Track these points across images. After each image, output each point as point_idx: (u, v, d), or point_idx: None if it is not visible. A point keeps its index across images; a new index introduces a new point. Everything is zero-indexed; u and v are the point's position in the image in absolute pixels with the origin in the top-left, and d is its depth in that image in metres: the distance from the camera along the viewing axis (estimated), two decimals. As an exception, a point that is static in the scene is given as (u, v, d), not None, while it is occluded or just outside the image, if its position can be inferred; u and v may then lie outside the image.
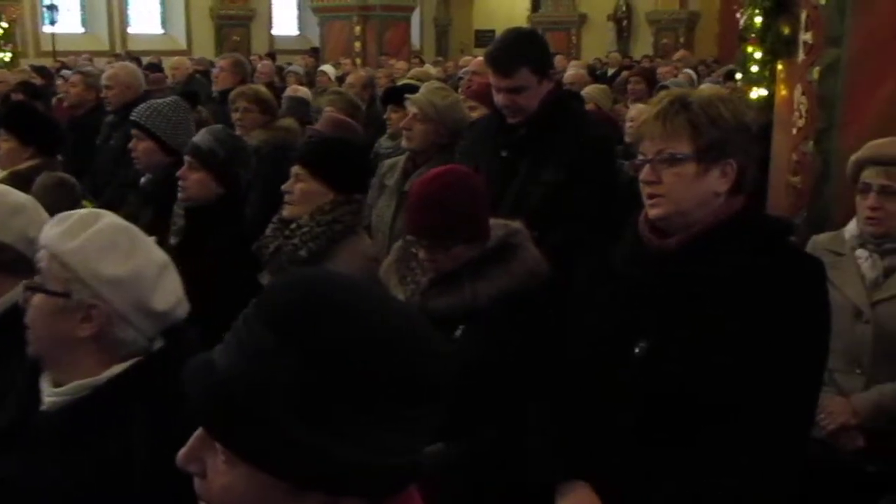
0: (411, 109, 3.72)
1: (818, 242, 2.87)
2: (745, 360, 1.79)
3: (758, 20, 3.97)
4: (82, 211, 1.76)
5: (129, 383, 1.61)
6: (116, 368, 1.63)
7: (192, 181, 3.11)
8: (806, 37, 3.57)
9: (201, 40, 20.48)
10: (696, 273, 1.87)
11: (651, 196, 1.91)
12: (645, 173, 1.91)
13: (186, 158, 3.15)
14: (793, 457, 1.87)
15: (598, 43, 22.45)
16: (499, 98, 3.14)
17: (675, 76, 9.16)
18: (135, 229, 1.69)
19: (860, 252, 2.72)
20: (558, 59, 10.67)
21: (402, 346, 0.95)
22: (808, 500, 2.18)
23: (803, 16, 3.58)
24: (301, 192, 2.80)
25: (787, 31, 3.79)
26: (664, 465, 1.83)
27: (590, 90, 6.32)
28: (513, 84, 3.07)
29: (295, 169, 2.83)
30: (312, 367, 0.92)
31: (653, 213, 1.92)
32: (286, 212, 2.83)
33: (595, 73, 11.54)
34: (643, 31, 22.97)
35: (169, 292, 1.66)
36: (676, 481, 1.81)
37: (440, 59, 17.47)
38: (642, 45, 22.15)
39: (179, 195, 3.16)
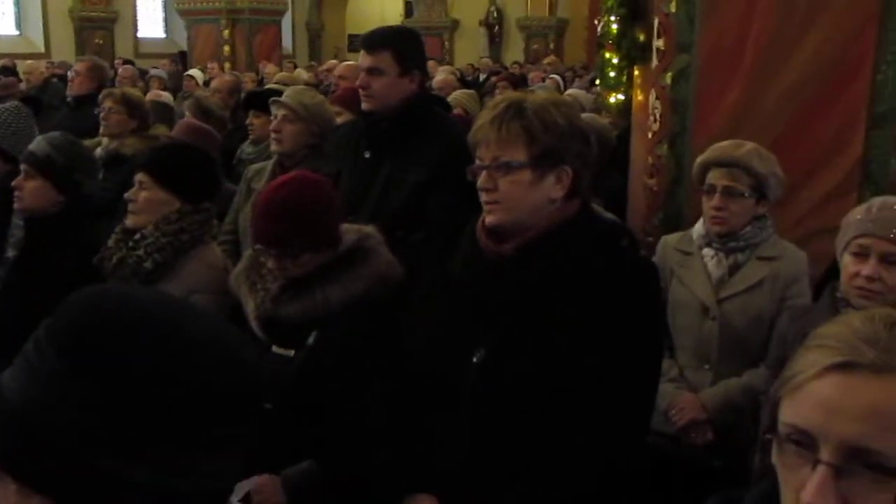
0: (279, 112, 3.65)
1: (667, 242, 2.95)
2: (582, 361, 1.80)
3: (614, 27, 4.07)
4: None
5: None
6: None
7: (29, 190, 2.96)
8: (658, 43, 3.66)
9: (60, 43, 19.48)
10: (533, 278, 1.87)
11: (488, 203, 1.91)
12: (482, 180, 1.90)
13: (22, 166, 3.00)
14: (634, 453, 1.90)
15: (470, 48, 22.69)
16: (359, 79, 3.16)
17: (544, 80, 9.36)
18: None
19: (707, 251, 2.80)
20: (430, 65, 10.67)
21: (201, 362, 0.89)
22: (658, 495, 2.23)
23: (656, 23, 3.68)
24: (145, 200, 2.68)
25: (641, 37, 3.89)
26: (508, 471, 1.82)
27: (458, 95, 6.34)
28: (373, 63, 3.09)
29: (139, 176, 2.70)
30: (104, 389, 0.85)
31: (489, 220, 1.92)
32: (129, 221, 2.70)
33: (466, 79, 11.64)
34: (514, 37, 23.32)
35: None
36: (521, 485, 1.81)
37: (313, 63, 17.24)
38: (514, 51, 22.49)
39: (16, 205, 3.00)
